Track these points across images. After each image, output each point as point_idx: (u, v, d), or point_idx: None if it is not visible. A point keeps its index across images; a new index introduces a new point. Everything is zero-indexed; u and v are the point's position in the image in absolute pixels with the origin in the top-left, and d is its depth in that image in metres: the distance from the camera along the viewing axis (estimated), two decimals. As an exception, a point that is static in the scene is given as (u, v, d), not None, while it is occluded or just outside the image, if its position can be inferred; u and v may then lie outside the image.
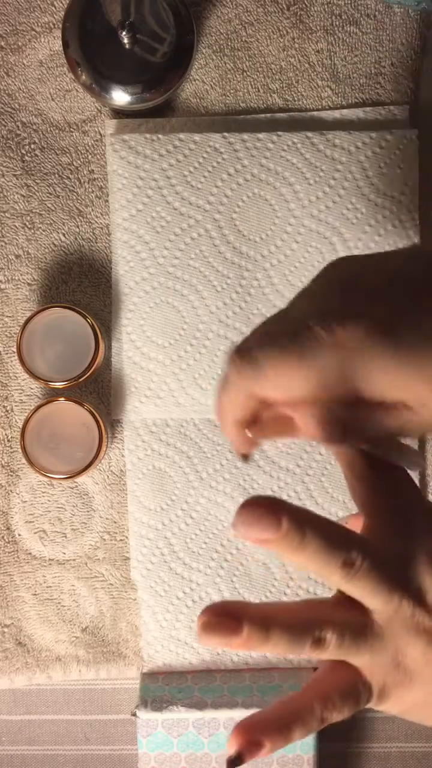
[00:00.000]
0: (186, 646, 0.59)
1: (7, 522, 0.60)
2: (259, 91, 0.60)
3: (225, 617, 0.32)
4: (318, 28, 0.59)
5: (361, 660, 0.33)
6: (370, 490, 0.36)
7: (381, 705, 0.34)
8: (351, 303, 0.34)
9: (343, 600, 0.33)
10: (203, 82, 0.60)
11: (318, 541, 0.32)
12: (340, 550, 0.32)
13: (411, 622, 0.33)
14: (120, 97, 0.57)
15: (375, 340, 0.32)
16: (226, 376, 0.36)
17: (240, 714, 0.56)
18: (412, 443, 0.59)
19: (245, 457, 0.41)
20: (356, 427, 0.34)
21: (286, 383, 0.34)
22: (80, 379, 0.56)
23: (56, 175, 0.60)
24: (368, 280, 0.35)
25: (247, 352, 0.35)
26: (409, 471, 0.37)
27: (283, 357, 0.34)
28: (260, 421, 0.38)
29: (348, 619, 0.33)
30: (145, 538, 0.59)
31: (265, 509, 0.32)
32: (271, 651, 0.32)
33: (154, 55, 0.57)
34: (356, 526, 0.36)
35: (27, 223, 0.60)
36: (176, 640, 0.59)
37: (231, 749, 0.33)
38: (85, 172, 0.60)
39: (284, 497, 0.59)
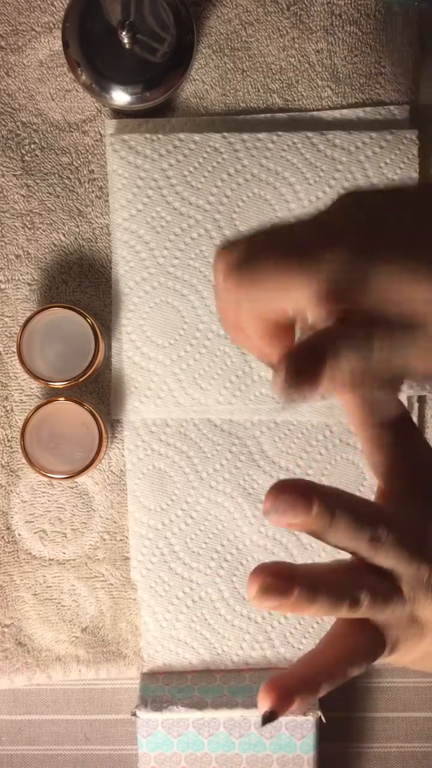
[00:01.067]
0: (186, 646, 0.59)
1: (7, 522, 0.60)
2: (259, 91, 0.60)
3: (278, 579, 0.34)
4: (318, 28, 0.59)
5: (383, 617, 0.36)
6: (386, 454, 0.38)
7: (392, 656, 0.37)
8: (355, 220, 0.33)
9: (369, 564, 0.35)
10: (203, 82, 0.60)
11: (346, 521, 0.34)
12: (367, 528, 0.34)
13: (429, 584, 0.35)
14: (120, 97, 0.57)
15: (375, 249, 0.32)
16: (217, 281, 0.35)
17: (240, 714, 0.56)
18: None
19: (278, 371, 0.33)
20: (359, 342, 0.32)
21: (282, 290, 0.33)
22: (80, 379, 0.56)
23: (56, 175, 0.60)
24: (376, 204, 0.34)
25: (244, 261, 0.33)
26: None
27: (282, 263, 0.32)
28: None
29: (378, 583, 0.35)
30: (145, 538, 0.59)
31: (297, 494, 0.33)
32: (314, 613, 0.34)
33: (154, 55, 0.57)
34: None
35: (27, 223, 0.60)
36: (176, 640, 0.59)
37: (263, 706, 0.34)
38: (85, 172, 0.60)
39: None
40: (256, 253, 0.34)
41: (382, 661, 0.37)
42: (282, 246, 0.33)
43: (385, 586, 0.35)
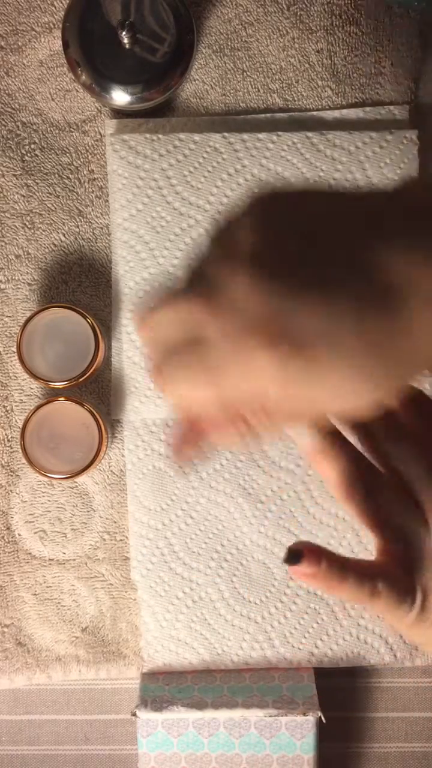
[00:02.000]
0: (186, 645, 0.59)
1: (7, 522, 0.60)
2: (259, 91, 0.60)
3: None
4: (318, 28, 0.59)
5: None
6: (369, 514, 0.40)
7: (425, 614, 0.38)
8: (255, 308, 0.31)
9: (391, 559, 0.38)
10: (203, 82, 0.60)
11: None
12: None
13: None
14: (120, 97, 0.57)
15: (280, 361, 0.31)
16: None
17: (240, 714, 0.56)
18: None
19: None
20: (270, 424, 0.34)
21: (198, 397, 0.34)
22: (80, 379, 0.56)
23: (56, 175, 0.60)
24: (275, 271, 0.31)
25: (161, 376, 0.35)
26: None
27: (193, 378, 0.33)
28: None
29: (397, 572, 0.38)
30: (145, 538, 0.59)
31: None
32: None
33: (154, 55, 0.57)
34: None
35: (27, 223, 0.60)
36: (176, 640, 0.59)
37: (292, 546, 0.37)
38: (85, 172, 0.60)
39: (284, 497, 0.59)
40: (173, 367, 0.34)
41: (415, 630, 0.38)
42: (186, 355, 0.34)
43: (405, 581, 0.37)
